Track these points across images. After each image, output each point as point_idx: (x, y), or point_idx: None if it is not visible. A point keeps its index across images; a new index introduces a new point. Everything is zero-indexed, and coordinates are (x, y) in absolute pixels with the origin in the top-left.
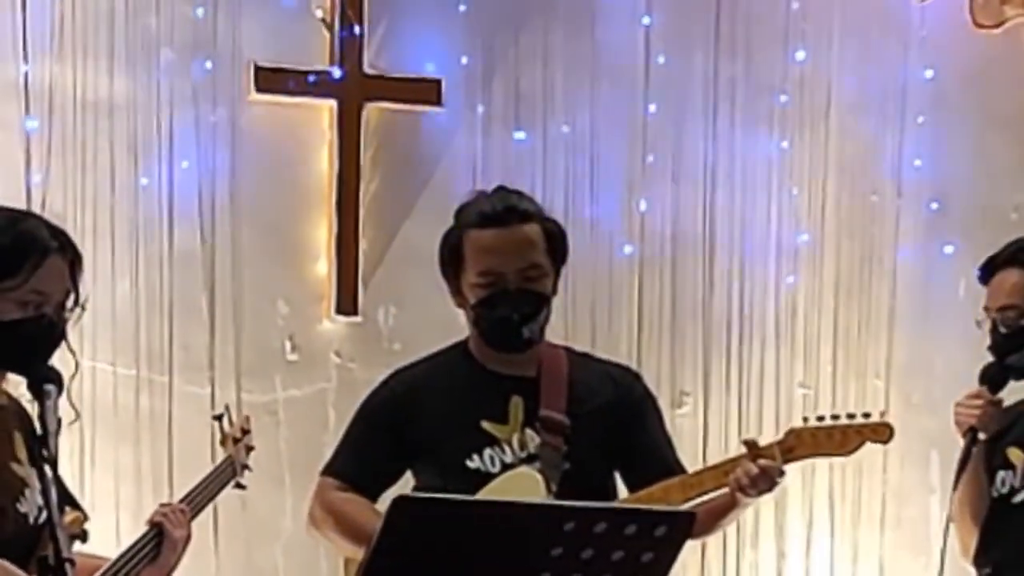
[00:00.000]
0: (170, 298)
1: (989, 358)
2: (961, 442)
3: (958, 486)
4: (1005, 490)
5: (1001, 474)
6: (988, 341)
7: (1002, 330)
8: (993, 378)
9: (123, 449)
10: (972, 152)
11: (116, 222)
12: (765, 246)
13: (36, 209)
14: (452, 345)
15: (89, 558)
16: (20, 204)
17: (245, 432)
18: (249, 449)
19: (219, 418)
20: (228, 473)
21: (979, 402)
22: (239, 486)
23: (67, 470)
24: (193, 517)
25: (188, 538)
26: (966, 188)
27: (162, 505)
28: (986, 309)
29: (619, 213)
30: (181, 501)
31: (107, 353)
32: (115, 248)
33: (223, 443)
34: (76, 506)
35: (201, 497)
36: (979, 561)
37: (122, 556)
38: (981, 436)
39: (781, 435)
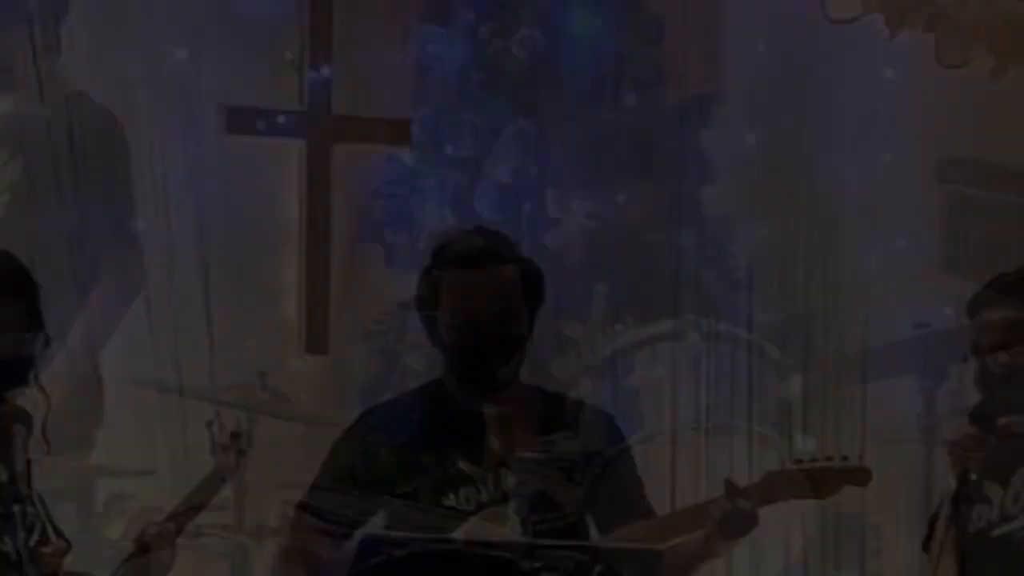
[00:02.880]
0: None
1: (962, 393)
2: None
3: (937, 524)
4: (982, 524)
5: (977, 508)
6: (978, 378)
7: (996, 370)
8: (989, 415)
9: None
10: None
11: None
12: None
13: None
14: (428, 383)
15: None
16: None
17: (235, 436)
18: (240, 453)
19: (210, 424)
20: (215, 485)
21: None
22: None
23: None
24: (178, 533)
25: (174, 558)
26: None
27: (148, 524)
28: (976, 345)
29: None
30: (167, 520)
31: None
32: None
33: (213, 451)
34: (59, 535)
35: (187, 513)
36: None
37: None
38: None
39: (759, 478)
